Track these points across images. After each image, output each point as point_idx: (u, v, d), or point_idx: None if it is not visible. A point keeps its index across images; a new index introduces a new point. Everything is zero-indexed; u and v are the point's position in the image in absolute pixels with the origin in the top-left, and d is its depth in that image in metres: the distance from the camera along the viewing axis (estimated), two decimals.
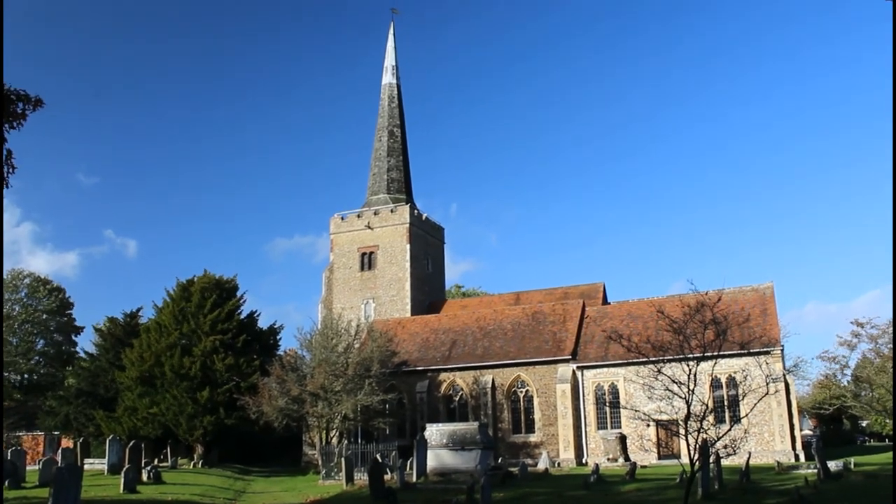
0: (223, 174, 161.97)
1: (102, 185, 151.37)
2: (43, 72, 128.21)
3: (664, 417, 20.14)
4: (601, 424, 43.66)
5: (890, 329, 44.29)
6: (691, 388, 16.58)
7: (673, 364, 17.99)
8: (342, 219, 62.85)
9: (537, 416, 45.36)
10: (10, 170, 13.34)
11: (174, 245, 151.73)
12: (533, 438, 45.08)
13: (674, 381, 17.12)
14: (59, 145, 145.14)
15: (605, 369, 43.87)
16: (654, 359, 18.20)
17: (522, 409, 46.13)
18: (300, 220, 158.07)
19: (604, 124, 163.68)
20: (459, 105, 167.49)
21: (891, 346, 44.17)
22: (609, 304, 52.41)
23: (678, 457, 34.45)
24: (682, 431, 17.11)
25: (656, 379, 17.32)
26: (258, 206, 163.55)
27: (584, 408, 43.96)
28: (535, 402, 45.52)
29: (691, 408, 16.74)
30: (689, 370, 16.72)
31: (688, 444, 16.86)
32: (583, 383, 44.28)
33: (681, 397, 16.84)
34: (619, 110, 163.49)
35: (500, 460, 37.14)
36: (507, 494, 24.53)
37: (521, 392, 46.23)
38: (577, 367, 44.45)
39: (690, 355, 17.41)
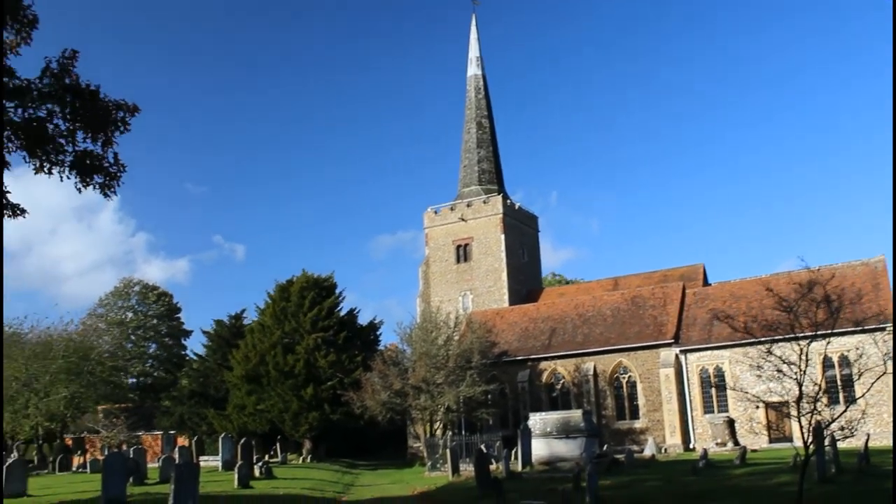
0: (326, 177, 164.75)
1: (211, 193, 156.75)
2: (151, 86, 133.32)
3: (774, 399, 19.50)
4: (707, 408, 42.67)
5: None
6: (803, 368, 15.98)
7: (782, 344, 17.39)
8: (435, 212, 63.20)
9: (641, 401, 44.67)
10: (121, 169, 13.89)
11: (280, 247, 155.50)
12: (638, 425, 44.43)
13: (784, 362, 16.54)
14: (169, 157, 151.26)
15: (710, 352, 42.81)
16: (762, 339, 17.63)
17: (626, 395, 45.51)
18: (401, 216, 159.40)
19: (701, 102, 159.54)
20: (553, 91, 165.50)
21: None
22: (710, 285, 51.16)
23: (790, 440, 33.42)
24: (793, 413, 16.54)
25: (766, 359, 16.75)
26: (361, 205, 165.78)
27: (689, 392, 43.04)
28: (639, 387, 44.84)
29: (803, 388, 16.14)
30: (801, 350, 16.13)
31: (801, 427, 16.26)
32: (686, 367, 43.34)
33: (792, 378, 16.25)
34: (716, 88, 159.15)
35: (605, 447, 36.75)
36: (614, 482, 24.24)
37: (624, 378, 45.61)
38: (681, 351, 43.54)
39: (801, 334, 16.77)
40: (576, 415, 31.79)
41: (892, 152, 57.86)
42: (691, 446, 41.56)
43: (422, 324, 46.73)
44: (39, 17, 13.18)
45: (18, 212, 14.25)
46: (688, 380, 43.13)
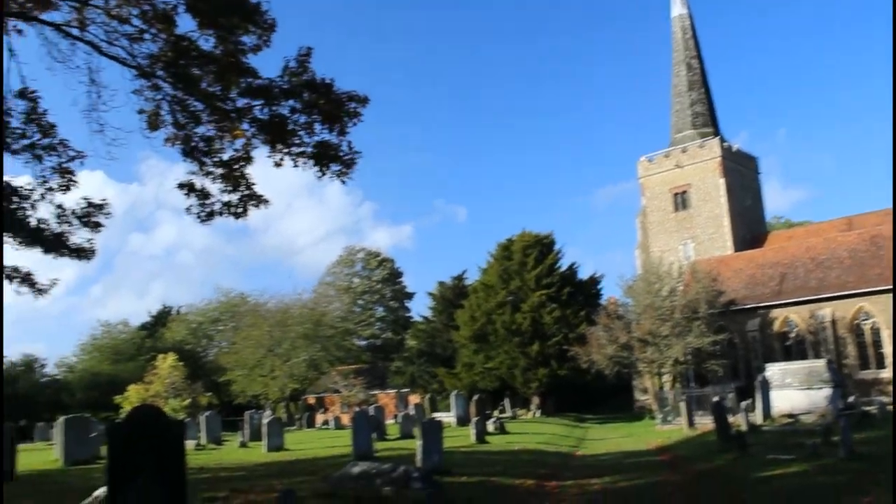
0: (542, 133, 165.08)
1: (432, 159, 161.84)
2: (370, 59, 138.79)
3: None
4: None
5: None
6: None
7: None
8: (650, 161, 61.72)
9: (887, 349, 41.69)
10: (355, 156, 14.72)
11: (501, 207, 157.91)
12: (884, 374, 41.52)
13: None
14: (392, 128, 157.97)
15: None
16: None
17: (869, 342, 42.71)
18: (620, 168, 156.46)
19: None
20: (772, 22, 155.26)
21: None
22: None
23: None
24: None
25: None
26: (580, 159, 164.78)
27: None
28: (884, 334, 41.87)
29: None
30: None
31: None
32: None
33: None
34: None
35: (849, 399, 34.77)
36: (866, 436, 22.88)
37: (866, 324, 42.75)
38: None
39: None
40: (818, 364, 30.22)
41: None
42: None
43: (644, 275, 46.09)
44: (277, 20, 14.13)
45: (262, 202, 15.48)
46: None
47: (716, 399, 26.61)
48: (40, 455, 25.02)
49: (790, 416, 28.36)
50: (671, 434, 30.60)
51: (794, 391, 29.04)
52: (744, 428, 26.21)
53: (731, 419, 27.80)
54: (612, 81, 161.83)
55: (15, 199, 15.06)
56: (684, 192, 59.20)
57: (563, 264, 51.18)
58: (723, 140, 59.59)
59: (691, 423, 30.86)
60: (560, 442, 31.14)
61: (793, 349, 44.63)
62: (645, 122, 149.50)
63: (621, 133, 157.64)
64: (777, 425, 27.67)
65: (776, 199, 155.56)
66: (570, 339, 44.86)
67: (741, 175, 60.30)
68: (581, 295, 50.36)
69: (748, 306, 46.37)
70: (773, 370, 30.78)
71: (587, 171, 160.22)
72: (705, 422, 30.04)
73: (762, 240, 57.27)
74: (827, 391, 27.94)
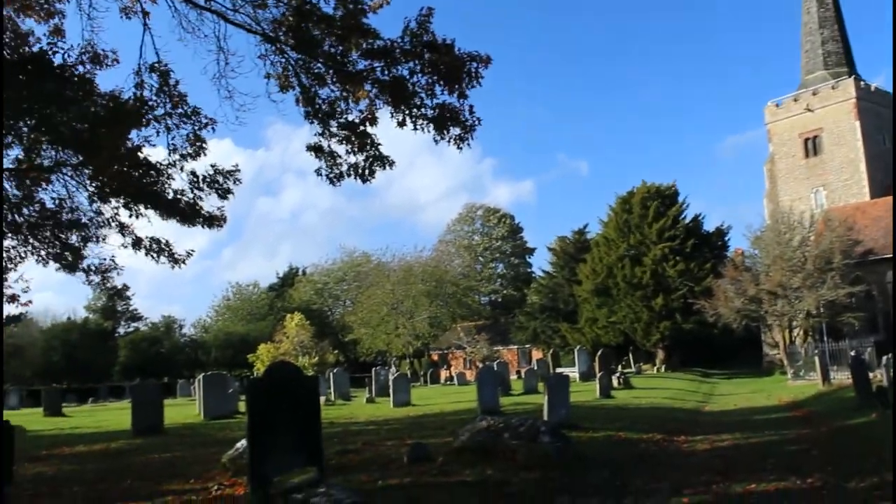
0: (668, 83, 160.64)
1: (552, 113, 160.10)
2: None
3: None
4: None
5: None
6: None
7: None
8: (777, 106, 59.07)
9: None
10: (476, 122, 14.62)
11: (624, 159, 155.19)
12: None
13: None
14: (512, 84, 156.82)
15: None
16: None
17: None
18: (747, 115, 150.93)
19: None
20: None
21: None
22: None
23: None
24: None
25: None
26: (705, 109, 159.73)
27: None
28: None
29: None
30: None
31: None
32: None
33: None
34: None
35: None
36: None
37: None
38: None
39: None
40: None
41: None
42: None
43: (773, 225, 44.46)
44: None
45: (389, 164, 15.61)
46: None
47: (854, 353, 25.54)
48: (183, 410, 26.42)
49: None
50: (804, 390, 29.66)
51: None
52: (885, 384, 25.09)
53: (870, 375, 26.65)
54: (736, 25, 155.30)
55: (152, 172, 15.73)
56: (815, 136, 56.46)
57: (688, 216, 50.05)
58: (858, 79, 56.35)
59: (826, 379, 29.76)
60: (687, 397, 30.57)
61: None
62: (772, 66, 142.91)
63: (747, 79, 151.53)
64: None
65: None
66: (696, 292, 43.90)
67: (879, 116, 56.91)
68: (706, 247, 49.22)
69: (887, 256, 44.03)
70: None
71: (712, 121, 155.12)
72: (841, 377, 29.00)
73: None
74: None
